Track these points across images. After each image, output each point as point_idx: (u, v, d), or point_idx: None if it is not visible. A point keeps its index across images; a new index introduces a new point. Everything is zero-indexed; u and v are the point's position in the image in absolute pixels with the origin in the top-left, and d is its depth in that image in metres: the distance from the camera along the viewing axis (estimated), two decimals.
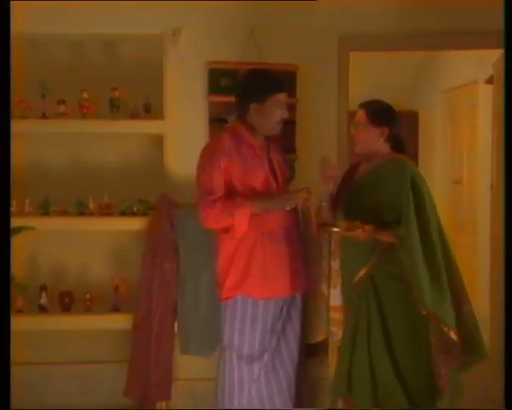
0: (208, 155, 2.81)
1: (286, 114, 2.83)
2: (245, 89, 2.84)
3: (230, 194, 2.74)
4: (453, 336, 2.55)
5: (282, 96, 2.81)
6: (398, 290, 2.66)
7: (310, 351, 3.14)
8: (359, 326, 2.73)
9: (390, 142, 2.79)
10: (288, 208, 2.78)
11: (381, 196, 2.68)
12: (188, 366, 3.52)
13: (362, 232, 2.61)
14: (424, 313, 2.57)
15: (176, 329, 3.40)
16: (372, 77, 5.65)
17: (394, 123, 2.79)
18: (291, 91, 3.37)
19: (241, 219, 2.69)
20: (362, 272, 2.71)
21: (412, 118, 6.53)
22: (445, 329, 2.55)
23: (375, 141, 2.76)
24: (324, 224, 2.86)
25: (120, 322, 3.53)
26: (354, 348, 2.73)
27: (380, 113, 2.77)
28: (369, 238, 2.63)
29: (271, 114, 2.78)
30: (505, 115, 2.48)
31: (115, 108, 3.62)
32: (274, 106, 2.77)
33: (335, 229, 2.75)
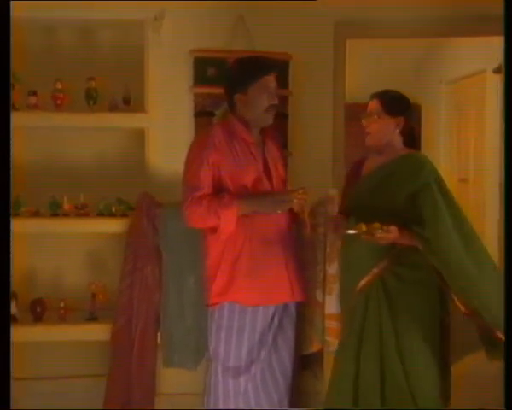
0: (196, 149, 2.82)
1: (275, 100, 2.79)
2: (228, 79, 2.86)
3: (218, 192, 2.77)
4: (500, 335, 2.55)
5: (267, 80, 2.77)
6: (413, 296, 2.68)
7: (303, 363, 3.17)
8: (367, 335, 2.72)
9: (404, 135, 2.81)
10: (279, 211, 2.79)
11: (397, 194, 2.69)
12: (172, 380, 3.56)
13: (385, 235, 2.58)
14: (464, 310, 2.59)
15: (159, 340, 3.42)
16: (371, 67, 5.71)
17: (409, 113, 2.82)
18: (283, 82, 3.40)
19: (227, 219, 2.71)
20: (370, 276, 2.72)
21: (414, 111, 6.58)
22: (495, 330, 2.56)
23: (389, 132, 2.78)
24: (335, 225, 2.83)
25: (98, 333, 3.54)
26: (360, 359, 2.72)
27: (396, 101, 2.79)
28: (391, 241, 2.62)
29: (256, 102, 2.76)
30: (505, 115, 2.53)
31: (92, 100, 3.64)
32: (258, 92, 2.75)
33: (351, 231, 2.65)
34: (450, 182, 6.03)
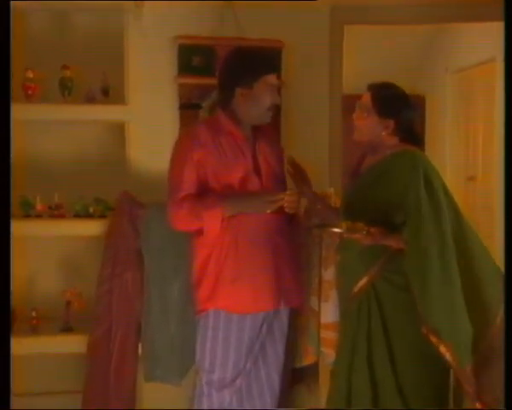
0: (180, 147, 2.88)
1: (278, 100, 2.90)
2: (229, 71, 2.89)
3: (203, 191, 2.81)
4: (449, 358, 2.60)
5: (272, 78, 2.86)
6: (404, 303, 2.73)
7: (296, 376, 3.21)
8: (357, 344, 2.79)
9: (398, 134, 2.85)
10: (268, 211, 2.83)
11: (387, 194, 2.74)
12: (154, 396, 3.56)
13: (367, 235, 2.66)
14: (424, 331, 2.61)
15: (140, 351, 3.45)
16: (370, 55, 5.73)
17: (403, 114, 2.83)
18: (278, 71, 3.42)
19: (211, 221, 2.77)
20: (362, 282, 2.77)
21: (418, 103, 6.53)
22: (451, 358, 2.60)
23: (376, 133, 2.83)
24: (323, 224, 2.91)
25: (73, 344, 3.57)
26: (352, 371, 2.79)
27: (388, 101, 2.81)
28: (374, 243, 2.68)
29: (261, 99, 2.84)
30: (505, 113, 2.58)
31: (67, 90, 3.66)
32: (263, 90, 2.83)
33: (336, 229, 2.75)
34: (457, 180, 6.13)
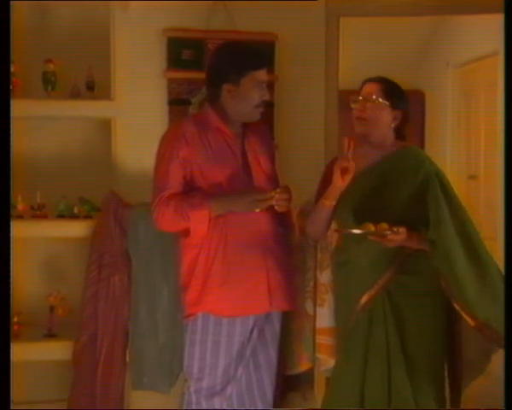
0: (166, 144, 2.89)
1: (267, 96, 2.90)
2: (215, 66, 2.90)
3: (190, 190, 2.83)
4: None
5: (261, 74, 2.86)
6: (420, 309, 2.76)
7: (290, 383, 3.23)
8: (372, 353, 2.79)
9: (401, 127, 2.89)
10: (257, 210, 2.84)
11: (399, 192, 2.76)
12: (142, 404, 3.57)
13: (394, 236, 2.62)
14: (473, 324, 2.65)
15: (127, 358, 3.46)
16: (368, 48, 5.76)
17: (407, 108, 2.89)
18: (268, 66, 3.44)
19: (197, 221, 2.78)
20: (373, 290, 2.77)
21: (417, 99, 6.62)
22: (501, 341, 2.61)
23: (386, 125, 2.85)
24: (344, 228, 2.82)
25: (57, 351, 3.58)
26: (366, 379, 2.79)
27: (398, 92, 2.87)
28: (400, 244, 2.67)
29: (248, 96, 2.84)
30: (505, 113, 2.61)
31: (50, 85, 3.67)
32: (251, 86, 2.83)
33: (356, 231, 2.68)
34: (459, 179, 6.16)
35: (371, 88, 2.85)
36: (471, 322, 2.67)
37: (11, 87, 3.61)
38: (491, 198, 5.53)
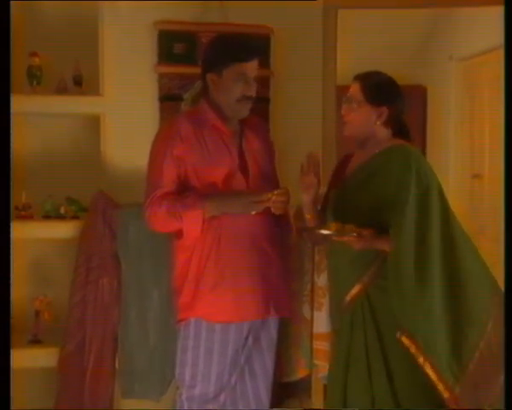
0: (159, 141, 2.91)
1: (250, 92, 2.88)
2: (204, 57, 2.94)
3: (183, 190, 2.84)
4: (429, 371, 2.64)
5: (247, 67, 2.84)
6: None
7: (287, 391, 3.25)
8: (352, 356, 2.82)
9: (390, 125, 2.89)
10: (253, 213, 2.85)
11: (379, 194, 2.78)
12: None
13: (358, 238, 2.68)
14: (398, 336, 2.66)
15: (117, 365, 3.48)
16: (367, 42, 5.76)
17: (396, 102, 2.89)
18: (263, 61, 3.46)
19: (190, 222, 2.80)
20: (355, 290, 2.81)
21: (419, 94, 6.63)
22: (424, 361, 2.65)
23: (369, 124, 2.86)
24: (310, 227, 2.91)
25: (42, 358, 3.59)
26: (347, 384, 2.83)
27: (379, 88, 2.86)
28: (365, 247, 2.72)
29: (229, 88, 2.84)
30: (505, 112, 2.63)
31: (35, 80, 3.67)
32: (233, 78, 2.83)
33: (324, 231, 2.75)
34: (462, 179, 6.17)
35: (352, 88, 2.89)
36: (398, 334, 2.67)
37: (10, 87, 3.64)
38: (496, 198, 5.54)
